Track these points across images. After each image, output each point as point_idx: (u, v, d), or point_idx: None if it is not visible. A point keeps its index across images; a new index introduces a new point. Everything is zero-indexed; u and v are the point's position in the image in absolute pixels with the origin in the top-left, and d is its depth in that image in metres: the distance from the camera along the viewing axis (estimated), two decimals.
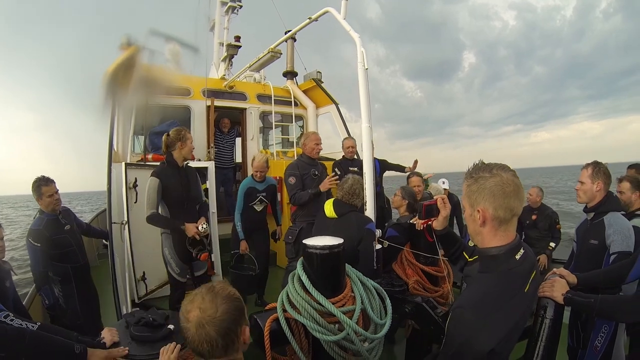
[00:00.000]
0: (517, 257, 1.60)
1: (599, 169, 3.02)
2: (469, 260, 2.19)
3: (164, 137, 4.13)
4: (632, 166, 4.55)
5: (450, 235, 2.29)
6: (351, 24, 3.72)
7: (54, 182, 4.21)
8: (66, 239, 4.24)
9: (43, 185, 4.11)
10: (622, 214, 3.03)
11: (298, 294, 2.18)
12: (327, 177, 4.62)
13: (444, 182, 6.96)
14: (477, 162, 1.71)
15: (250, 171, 7.46)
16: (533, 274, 1.65)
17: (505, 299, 1.53)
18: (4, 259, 3.18)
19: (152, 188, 3.88)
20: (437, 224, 2.23)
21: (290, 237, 4.71)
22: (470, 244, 2.25)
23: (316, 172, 4.92)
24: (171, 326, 2.61)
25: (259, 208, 5.34)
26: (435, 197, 2.21)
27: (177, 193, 4.04)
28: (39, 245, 3.94)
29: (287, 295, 2.24)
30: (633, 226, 2.95)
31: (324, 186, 4.59)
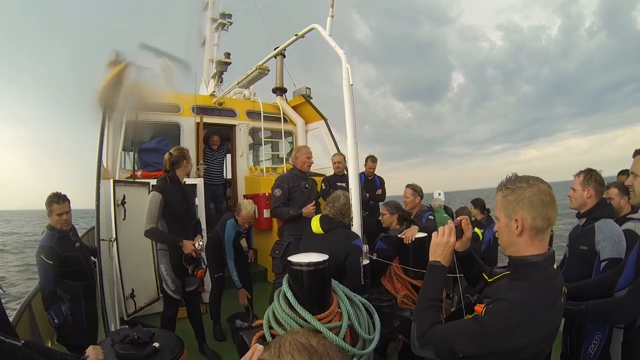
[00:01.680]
0: (555, 266, 1.63)
1: (590, 176, 3.05)
2: (489, 281, 2.15)
3: (166, 156, 4.12)
4: (622, 172, 4.59)
5: (472, 256, 2.24)
6: (340, 45, 3.75)
7: (68, 201, 4.16)
8: (77, 256, 4.18)
9: (55, 202, 4.05)
10: (614, 220, 3.05)
11: (284, 310, 2.17)
12: (311, 208, 4.55)
13: (440, 194, 6.91)
14: (511, 175, 1.72)
15: (240, 188, 7.44)
16: (564, 289, 1.67)
17: (548, 305, 1.54)
18: None
19: (154, 203, 3.85)
20: (460, 245, 2.14)
21: (277, 251, 4.63)
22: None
23: (307, 185, 4.88)
24: (156, 344, 2.60)
25: (244, 244, 5.36)
26: (458, 219, 2.17)
27: (178, 210, 4.04)
28: (51, 263, 3.87)
29: (273, 312, 2.24)
30: (623, 230, 2.98)
31: (306, 210, 4.53)
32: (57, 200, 4.07)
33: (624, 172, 4.50)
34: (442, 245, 1.90)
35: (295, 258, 2.27)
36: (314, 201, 4.90)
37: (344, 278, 3.04)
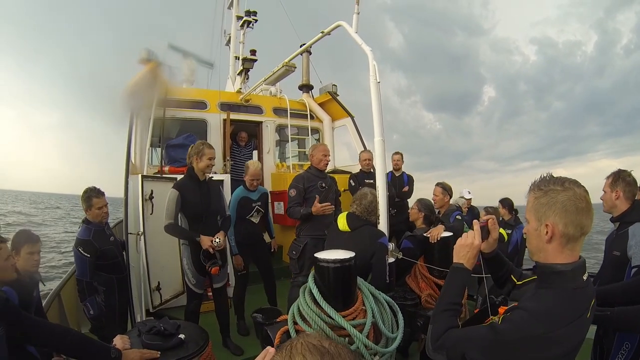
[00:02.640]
0: (584, 277, 1.51)
1: (618, 176, 2.94)
2: (518, 283, 2.04)
3: (189, 149, 4.22)
4: None
5: (499, 257, 2.12)
6: (373, 53, 3.72)
7: (104, 195, 4.29)
8: (112, 250, 4.29)
9: (94, 196, 4.16)
10: None
11: (309, 306, 2.19)
12: (322, 205, 4.40)
13: (469, 192, 6.82)
14: (546, 174, 1.61)
15: (267, 184, 7.46)
16: (593, 302, 1.54)
17: (571, 318, 1.44)
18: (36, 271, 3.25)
19: (171, 200, 3.94)
20: (487, 245, 2.04)
21: (294, 252, 4.58)
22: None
23: (323, 184, 4.80)
24: (182, 336, 2.64)
25: (256, 220, 5.29)
26: (485, 218, 2.09)
27: (196, 206, 4.09)
28: (88, 256, 3.98)
29: (298, 308, 2.26)
30: None
31: (315, 209, 4.41)
32: (97, 194, 4.19)
33: None
34: (466, 247, 1.84)
35: (322, 254, 2.28)
36: (331, 201, 4.77)
37: (369, 276, 3.05)
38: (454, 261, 1.86)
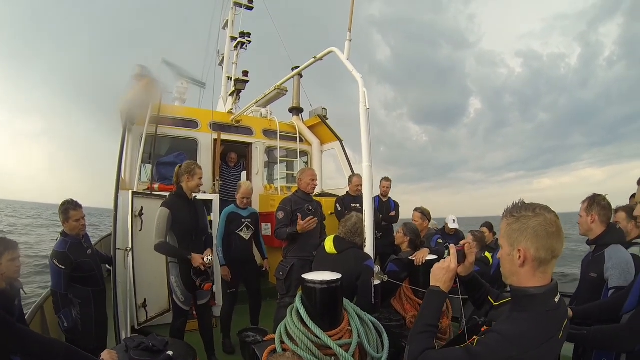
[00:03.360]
0: (556, 300, 1.57)
1: (593, 201, 3.06)
2: (495, 304, 2.09)
3: (176, 168, 4.28)
4: (634, 196, 4.57)
5: (476, 280, 2.20)
6: (361, 65, 3.84)
7: (82, 207, 4.31)
8: (89, 263, 4.30)
9: (71, 209, 4.20)
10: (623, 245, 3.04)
11: (296, 326, 2.25)
12: (305, 221, 4.50)
13: (454, 221, 6.84)
14: (518, 201, 1.66)
15: (255, 206, 7.54)
16: (565, 322, 1.60)
17: (543, 340, 1.48)
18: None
19: (162, 218, 3.98)
20: (463, 269, 2.12)
21: (281, 273, 4.65)
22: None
23: (310, 207, 4.90)
24: (170, 352, 2.67)
25: (246, 236, 5.34)
26: (462, 243, 2.12)
27: (187, 224, 4.14)
28: (63, 268, 4.00)
29: (286, 327, 2.31)
30: (631, 254, 2.96)
31: (300, 227, 4.50)
32: (74, 207, 4.23)
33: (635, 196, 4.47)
34: (443, 270, 1.90)
35: (309, 276, 2.35)
36: (318, 224, 4.89)
37: (355, 297, 3.11)
38: (431, 284, 1.93)
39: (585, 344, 2.56)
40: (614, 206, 3.43)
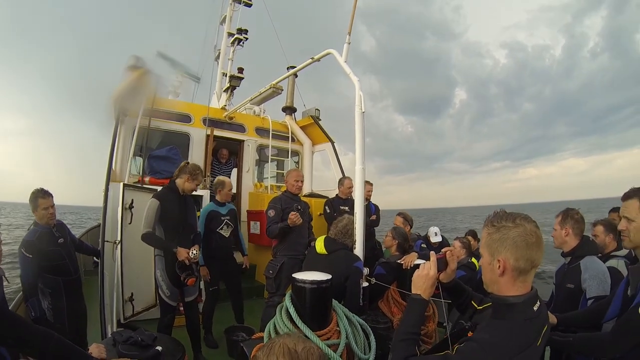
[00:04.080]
0: (535, 308, 1.59)
1: (567, 215, 3.15)
2: (478, 308, 2.10)
3: (182, 163, 4.32)
4: (613, 210, 4.64)
5: (458, 286, 2.22)
6: (347, 61, 3.87)
7: (52, 196, 4.26)
8: (59, 251, 4.25)
9: (40, 197, 4.15)
10: (599, 257, 3.14)
11: (285, 325, 2.26)
12: (294, 214, 4.64)
13: (436, 234, 6.72)
14: (499, 211, 1.70)
15: (244, 203, 7.51)
16: (545, 328, 1.62)
17: (520, 349, 1.50)
18: None
19: (151, 209, 4.01)
20: (445, 276, 2.14)
21: (271, 271, 4.72)
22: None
23: (299, 207, 5.00)
24: (159, 347, 2.67)
25: (226, 233, 5.39)
26: (443, 251, 2.15)
27: (175, 218, 4.16)
28: (30, 256, 3.96)
29: (275, 326, 2.33)
30: (608, 267, 3.05)
31: (290, 221, 4.61)
32: (43, 195, 4.18)
33: (615, 210, 4.56)
34: (423, 277, 1.92)
35: (299, 275, 2.37)
36: (306, 224, 5.04)
37: (343, 298, 3.14)
38: (412, 292, 1.95)
39: (570, 350, 2.62)
40: (592, 220, 3.51)
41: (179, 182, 4.22)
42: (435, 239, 6.56)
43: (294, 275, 2.39)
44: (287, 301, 2.36)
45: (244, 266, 5.69)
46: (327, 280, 2.31)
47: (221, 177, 5.59)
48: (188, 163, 4.29)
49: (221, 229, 5.30)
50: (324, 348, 2.15)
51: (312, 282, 2.28)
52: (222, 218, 5.34)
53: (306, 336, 2.18)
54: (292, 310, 2.29)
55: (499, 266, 1.59)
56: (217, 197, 5.44)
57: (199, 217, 5.12)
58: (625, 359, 2.21)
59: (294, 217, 4.61)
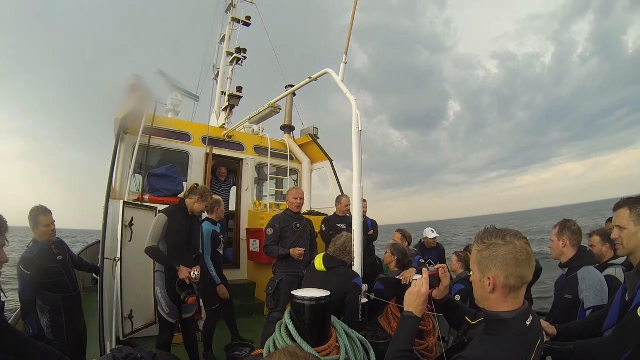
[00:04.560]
0: (527, 323, 1.59)
1: (564, 226, 3.18)
2: (472, 323, 2.11)
3: (192, 184, 4.41)
4: (609, 220, 4.66)
5: (451, 303, 2.24)
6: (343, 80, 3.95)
7: (51, 213, 4.27)
8: (57, 268, 4.24)
9: (41, 214, 4.16)
10: (597, 267, 3.19)
11: (285, 341, 2.28)
12: (300, 251, 4.77)
13: (432, 231, 6.79)
14: (489, 227, 1.70)
15: (243, 222, 7.55)
16: (538, 342, 1.61)
17: None
18: None
19: (159, 223, 4.06)
20: (438, 293, 2.16)
21: (270, 287, 4.82)
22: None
23: (298, 225, 5.09)
24: None
25: (221, 251, 5.56)
26: (436, 267, 2.17)
27: (180, 236, 4.20)
28: (28, 273, 3.95)
29: (274, 342, 2.34)
30: (606, 276, 3.10)
31: (294, 253, 4.74)
32: (44, 212, 4.19)
33: (611, 220, 4.60)
34: (414, 295, 1.94)
35: (298, 292, 2.39)
36: (309, 244, 5.15)
37: (342, 314, 3.16)
38: (404, 309, 1.96)
39: (571, 359, 2.64)
40: (588, 230, 3.54)
41: (188, 202, 4.29)
42: (432, 235, 6.66)
43: (293, 292, 2.42)
44: (287, 318, 2.38)
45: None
46: (326, 297, 2.33)
47: (216, 196, 5.66)
48: (198, 185, 4.38)
49: (220, 247, 5.43)
50: None
51: (311, 299, 2.30)
52: (220, 237, 5.48)
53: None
54: (291, 327, 2.31)
55: (489, 283, 1.61)
56: (214, 216, 5.52)
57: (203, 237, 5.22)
58: None
59: (298, 253, 4.73)
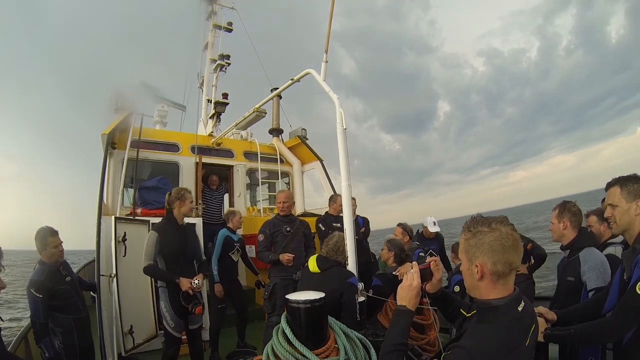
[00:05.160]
0: (519, 308, 1.59)
1: (564, 208, 3.15)
2: (467, 315, 2.08)
3: (167, 195, 4.37)
4: (604, 200, 4.66)
5: (445, 296, 2.22)
6: (327, 81, 3.94)
7: (58, 233, 4.24)
8: (68, 290, 4.22)
9: (49, 235, 4.13)
10: (597, 247, 3.15)
11: (282, 346, 2.26)
12: (288, 257, 4.78)
13: (435, 224, 6.48)
14: (475, 216, 1.70)
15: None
16: (533, 327, 1.63)
17: (508, 349, 1.50)
18: None
19: (150, 241, 4.03)
20: (431, 287, 2.15)
21: (266, 292, 4.87)
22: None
23: (288, 229, 5.11)
24: None
25: (235, 258, 5.76)
26: (428, 261, 2.15)
27: (174, 249, 4.18)
28: (40, 296, 3.90)
29: (272, 348, 2.33)
30: (607, 255, 3.10)
31: (282, 259, 4.76)
32: (52, 233, 4.16)
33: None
34: (405, 288, 1.93)
35: (293, 296, 2.37)
36: (303, 246, 5.21)
37: (340, 314, 3.15)
38: (397, 303, 1.95)
39: (573, 343, 2.62)
40: (584, 211, 3.55)
41: (175, 212, 4.28)
42: (433, 228, 6.39)
43: (287, 296, 2.40)
44: (283, 322, 2.36)
45: (262, 284, 5.90)
46: (321, 298, 2.32)
47: (232, 208, 6.21)
48: (171, 192, 4.35)
49: (233, 253, 5.62)
50: None
51: (306, 301, 2.28)
52: (235, 244, 5.67)
53: (304, 355, 2.19)
54: (288, 331, 2.29)
55: (477, 271, 1.61)
56: (230, 225, 5.75)
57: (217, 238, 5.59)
58: (629, 343, 2.24)
59: (286, 259, 4.75)
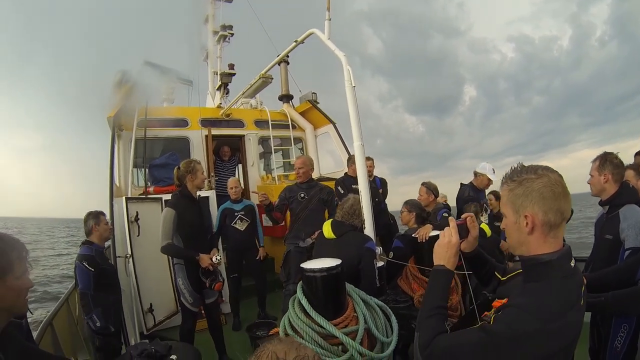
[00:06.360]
0: (572, 264, 1.43)
1: (605, 160, 2.91)
2: (502, 279, 1.89)
3: (175, 171, 4.24)
4: (638, 153, 4.38)
5: (480, 256, 2.03)
6: (352, 59, 3.74)
7: (105, 214, 4.31)
8: (112, 270, 4.28)
9: (101, 214, 4.18)
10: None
11: (299, 318, 2.16)
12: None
13: (493, 172, 5.89)
14: (517, 165, 1.52)
15: (254, 198, 7.60)
16: (583, 288, 1.46)
17: (566, 308, 1.34)
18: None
19: (167, 219, 3.92)
20: (467, 245, 1.96)
21: (282, 261, 4.87)
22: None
23: (303, 195, 5.01)
24: (174, 357, 2.61)
25: (241, 227, 5.70)
26: (463, 217, 1.96)
27: (193, 224, 4.10)
28: (92, 270, 3.89)
29: (289, 320, 2.23)
30: None
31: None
32: (102, 213, 4.24)
33: None
34: (444, 246, 1.76)
35: (308, 264, 2.26)
36: (313, 212, 5.01)
37: (359, 281, 3.02)
38: (435, 263, 1.78)
39: (604, 311, 2.46)
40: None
41: (189, 186, 4.14)
42: (493, 176, 5.81)
43: (302, 265, 2.28)
44: (299, 292, 2.26)
45: (258, 257, 5.88)
46: (337, 265, 2.19)
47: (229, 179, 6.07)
48: (179, 167, 4.20)
49: (235, 223, 5.59)
50: (341, 337, 2.05)
51: (322, 269, 2.16)
52: (236, 214, 5.64)
53: (321, 327, 2.08)
54: (304, 302, 2.18)
55: (527, 223, 1.42)
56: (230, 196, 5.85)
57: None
58: None
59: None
